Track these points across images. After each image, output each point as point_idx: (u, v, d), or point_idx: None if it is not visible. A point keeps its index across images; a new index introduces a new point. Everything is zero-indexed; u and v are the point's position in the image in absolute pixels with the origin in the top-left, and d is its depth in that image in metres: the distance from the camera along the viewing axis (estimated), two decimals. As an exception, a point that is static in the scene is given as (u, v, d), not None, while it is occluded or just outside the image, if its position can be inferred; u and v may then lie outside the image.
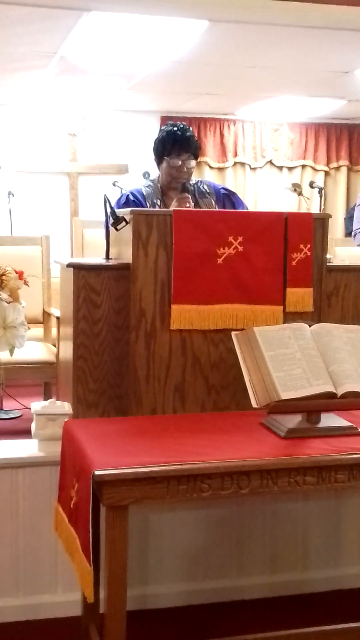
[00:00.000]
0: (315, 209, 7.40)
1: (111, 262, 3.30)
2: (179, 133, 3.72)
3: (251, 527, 3.23)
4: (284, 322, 3.09)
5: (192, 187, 3.81)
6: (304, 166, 8.41)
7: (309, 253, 3.22)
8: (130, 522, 2.31)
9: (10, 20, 4.58)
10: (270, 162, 8.33)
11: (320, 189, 4.96)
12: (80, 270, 3.18)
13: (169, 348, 3.14)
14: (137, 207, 3.63)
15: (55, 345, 4.67)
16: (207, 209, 3.72)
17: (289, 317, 3.15)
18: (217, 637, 2.80)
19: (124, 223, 3.17)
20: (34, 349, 4.67)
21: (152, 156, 3.83)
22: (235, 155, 8.17)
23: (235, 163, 8.20)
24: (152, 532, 3.13)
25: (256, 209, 7.76)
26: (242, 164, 8.23)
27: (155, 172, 3.95)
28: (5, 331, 2.94)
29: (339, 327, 2.75)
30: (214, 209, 3.75)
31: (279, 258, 3.20)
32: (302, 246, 3.21)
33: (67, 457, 2.62)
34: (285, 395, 2.49)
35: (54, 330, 4.89)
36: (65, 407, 3.08)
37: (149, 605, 3.12)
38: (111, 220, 3.23)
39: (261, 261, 3.17)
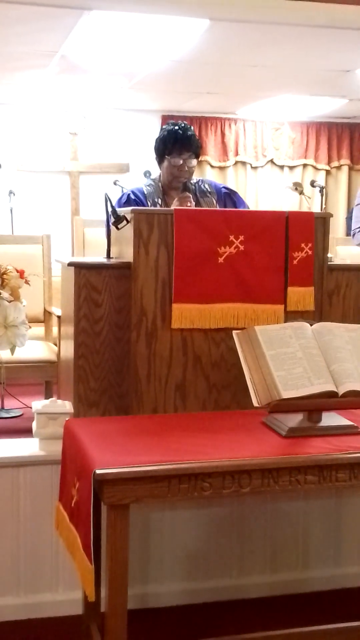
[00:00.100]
0: (316, 208, 7.40)
1: (112, 261, 3.30)
2: (180, 132, 3.72)
3: (252, 526, 3.23)
4: (285, 321, 3.09)
5: (193, 186, 3.81)
6: (305, 165, 8.41)
7: (310, 252, 3.22)
8: (131, 521, 2.31)
9: (11, 19, 4.58)
10: (272, 161, 8.33)
11: (322, 188, 4.97)
12: (81, 269, 3.18)
13: (170, 347, 3.14)
14: (138, 206, 3.63)
15: (56, 344, 4.67)
16: (208, 208, 3.72)
17: (290, 316, 3.15)
18: (217, 636, 2.80)
19: (125, 222, 3.17)
20: (35, 348, 4.67)
21: (153, 155, 3.83)
22: (237, 154, 8.17)
23: (237, 162, 8.20)
24: (153, 531, 3.13)
25: (257, 208, 7.76)
26: (243, 163, 8.23)
27: (156, 171, 3.95)
28: (6, 330, 2.94)
29: (340, 326, 2.75)
30: (215, 208, 3.75)
31: (280, 257, 3.19)
32: (303, 245, 3.21)
33: (68, 456, 2.63)
34: (286, 394, 2.49)
35: (54, 329, 4.89)
36: (66, 406, 3.08)
37: (149, 604, 3.12)
38: (112, 219, 3.23)
39: (262, 260, 3.17)
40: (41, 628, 2.97)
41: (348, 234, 7.43)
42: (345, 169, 8.48)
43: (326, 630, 2.84)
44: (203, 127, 8.05)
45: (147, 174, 7.01)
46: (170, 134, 3.73)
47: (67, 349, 3.38)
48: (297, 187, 5.80)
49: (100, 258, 3.36)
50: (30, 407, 3.19)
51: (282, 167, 8.38)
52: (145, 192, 3.78)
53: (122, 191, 3.88)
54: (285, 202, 8.15)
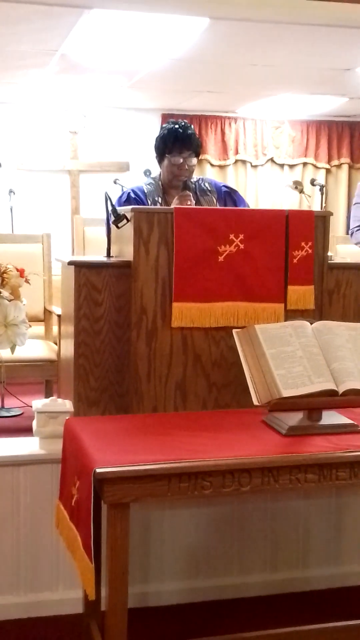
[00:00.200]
0: (316, 207, 7.40)
1: (112, 260, 3.30)
2: (180, 131, 3.71)
3: (252, 524, 3.23)
4: (285, 320, 3.09)
5: (194, 185, 3.81)
6: (305, 164, 8.41)
7: (310, 251, 3.22)
8: (131, 519, 2.31)
9: (12, 18, 4.58)
10: (272, 159, 8.33)
11: (322, 187, 4.96)
12: (81, 268, 3.18)
13: (170, 346, 3.14)
14: (138, 204, 3.63)
15: (56, 343, 4.68)
16: (208, 207, 3.71)
17: (290, 314, 3.15)
18: (217, 634, 2.80)
19: (125, 221, 3.17)
20: (35, 346, 4.67)
21: (154, 154, 3.83)
22: (237, 153, 8.17)
23: (237, 161, 8.20)
24: (153, 529, 3.13)
25: (257, 207, 7.76)
26: (244, 161, 8.23)
27: (156, 170, 3.95)
28: (7, 329, 2.94)
29: (340, 324, 2.75)
30: (215, 207, 3.75)
31: (280, 256, 3.19)
32: (303, 244, 3.21)
33: (69, 455, 2.63)
34: (286, 392, 2.49)
35: (55, 328, 4.89)
36: (67, 404, 3.08)
37: (150, 603, 3.12)
38: (112, 218, 3.23)
39: (262, 259, 3.17)
40: (41, 627, 2.97)
41: (348, 233, 7.44)
42: (345, 167, 8.48)
43: (326, 629, 2.84)
44: (203, 125, 8.04)
45: (147, 172, 6.99)
46: (170, 132, 3.73)
47: (67, 348, 3.38)
48: (297, 185, 5.78)
49: (101, 257, 3.36)
50: (31, 406, 3.19)
51: (282, 165, 8.37)
52: (146, 191, 3.78)
53: (122, 190, 3.88)
54: (285, 200, 8.15)
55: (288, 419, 2.61)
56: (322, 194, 5.18)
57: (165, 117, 7.66)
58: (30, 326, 3.07)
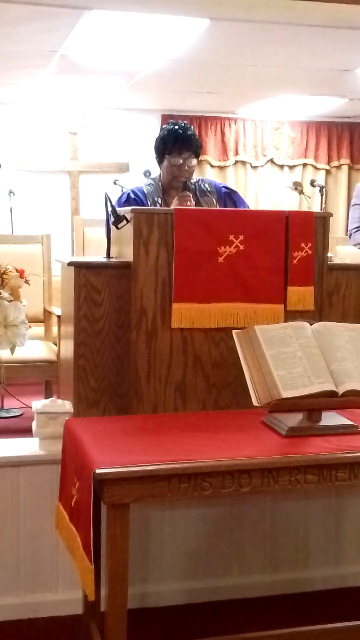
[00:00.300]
0: (316, 208, 7.40)
1: (112, 260, 3.30)
2: (180, 132, 3.71)
3: (252, 525, 3.23)
4: (285, 321, 3.09)
5: (193, 186, 3.81)
6: (305, 165, 8.41)
7: (310, 252, 3.22)
8: (131, 520, 2.31)
9: (11, 19, 4.58)
10: (271, 160, 8.33)
11: (321, 188, 4.95)
12: (81, 269, 3.18)
13: (169, 347, 3.14)
14: (138, 205, 3.63)
15: (56, 344, 4.67)
16: (208, 208, 3.72)
17: (290, 315, 3.15)
18: (217, 635, 2.80)
19: (124, 222, 3.17)
20: (34, 347, 4.67)
21: (153, 155, 3.83)
22: (236, 153, 8.17)
23: (236, 162, 8.20)
24: (153, 530, 3.13)
25: (257, 208, 7.76)
26: (243, 162, 8.23)
27: (156, 171, 3.95)
28: (6, 330, 2.94)
29: (340, 325, 2.75)
30: (215, 208, 3.75)
31: (280, 257, 3.19)
32: (303, 245, 3.21)
33: (68, 456, 2.63)
34: (286, 393, 2.49)
35: (54, 329, 4.89)
36: (66, 405, 3.08)
37: (149, 604, 3.12)
38: (112, 219, 3.23)
39: (262, 260, 3.17)
40: (41, 628, 2.97)
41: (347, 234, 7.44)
42: (345, 168, 8.49)
43: (326, 630, 2.84)
44: (203, 126, 8.05)
45: (147, 173, 7.00)
46: (170, 133, 3.73)
47: (67, 349, 3.38)
48: (297, 186, 5.78)
49: (100, 258, 3.36)
50: (30, 407, 3.19)
51: (282, 166, 8.38)
52: (145, 192, 3.78)
53: (122, 191, 3.88)
54: (285, 201, 8.15)
55: (288, 419, 2.61)
56: (321, 195, 5.17)
57: (165, 118, 7.66)
58: (30, 327, 3.07)
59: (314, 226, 3.24)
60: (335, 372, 2.55)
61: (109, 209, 3.26)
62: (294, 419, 2.61)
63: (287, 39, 5.07)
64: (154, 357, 3.12)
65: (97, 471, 2.23)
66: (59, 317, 4.31)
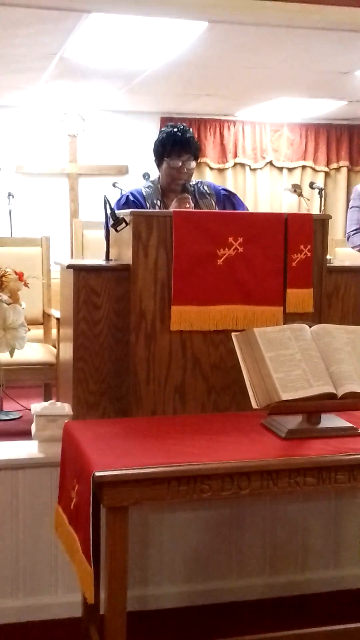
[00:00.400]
0: (315, 210, 7.40)
1: (111, 263, 3.30)
2: (179, 134, 3.72)
3: (251, 528, 3.23)
4: (284, 323, 3.09)
5: (192, 188, 3.81)
6: (304, 167, 8.41)
7: (309, 254, 3.22)
8: (130, 523, 2.31)
9: (11, 21, 4.58)
10: (270, 163, 8.33)
11: (321, 190, 4.96)
12: (80, 272, 3.18)
13: (169, 349, 3.14)
14: (137, 207, 3.63)
15: (55, 347, 4.68)
16: (207, 210, 3.72)
17: (289, 318, 3.15)
18: (217, 638, 2.80)
19: (124, 224, 3.17)
20: (34, 350, 4.67)
21: (152, 157, 3.83)
22: (235, 156, 8.18)
23: (235, 164, 8.20)
24: (153, 533, 3.13)
25: (256, 210, 7.76)
26: (242, 164, 8.23)
27: (155, 174, 3.95)
28: (6, 332, 2.94)
29: (339, 327, 2.75)
30: (214, 210, 3.75)
31: (279, 259, 3.20)
32: (302, 247, 3.21)
33: (67, 459, 2.63)
34: (285, 396, 2.49)
35: (54, 332, 4.89)
36: (66, 408, 3.08)
37: (149, 606, 3.12)
38: (111, 222, 3.23)
39: (261, 262, 3.17)
40: (40, 630, 2.97)
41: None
42: (344, 170, 8.49)
43: (325, 632, 2.84)
44: (202, 129, 8.05)
45: (146, 176, 7.01)
46: (169, 136, 3.73)
47: (66, 351, 3.38)
48: (296, 189, 5.78)
49: (100, 260, 3.36)
50: (30, 410, 3.19)
51: (281, 168, 8.38)
52: (144, 194, 3.78)
53: (121, 193, 3.88)
54: (284, 203, 8.15)
55: (287, 422, 2.61)
56: (321, 197, 5.17)
57: (164, 121, 7.66)
58: (29, 329, 3.07)
59: (313, 228, 3.24)
60: (335, 375, 2.56)
61: (108, 211, 3.27)
62: (293, 422, 2.61)
63: (286, 42, 5.08)
64: (153, 359, 3.12)
65: (97, 474, 2.23)
66: (58, 319, 4.32)
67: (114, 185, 4.38)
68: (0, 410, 5.23)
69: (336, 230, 7.99)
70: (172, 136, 3.72)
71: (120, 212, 3.28)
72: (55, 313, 4.58)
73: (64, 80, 6.36)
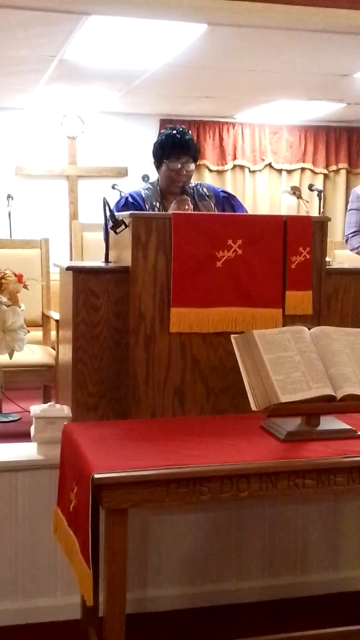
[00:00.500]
0: (314, 212, 7.39)
1: (110, 265, 3.30)
2: (178, 136, 3.72)
3: (250, 530, 3.23)
4: (283, 325, 3.10)
5: (192, 190, 3.81)
6: (303, 169, 8.41)
7: (308, 256, 3.22)
8: (129, 525, 2.31)
9: (10, 24, 4.58)
10: (270, 165, 8.33)
11: (320, 192, 4.96)
12: (79, 274, 3.18)
13: (168, 351, 3.14)
14: (136, 209, 3.63)
15: (54, 349, 4.67)
16: (206, 212, 3.72)
17: (289, 320, 3.15)
18: (216, 640, 2.80)
19: (123, 226, 3.17)
20: (33, 352, 4.64)
21: (152, 159, 3.83)
22: (235, 158, 8.18)
23: (235, 166, 8.20)
24: (152, 535, 3.13)
25: (255, 212, 7.77)
26: (242, 166, 8.23)
27: (154, 176, 3.95)
28: (5, 334, 2.94)
29: (338, 330, 2.75)
30: (214, 212, 3.75)
31: (278, 261, 3.20)
32: (301, 249, 3.21)
33: (67, 461, 2.62)
34: (284, 398, 2.49)
35: (53, 334, 4.88)
36: (65, 410, 3.08)
37: (148, 609, 3.12)
38: (110, 224, 3.23)
39: (260, 264, 3.17)
40: (39, 633, 2.96)
41: (344, 239, 7.44)
42: (343, 172, 8.49)
43: (324, 635, 2.84)
44: (201, 131, 8.05)
45: (145, 178, 7.01)
46: (168, 138, 3.73)
47: (66, 353, 3.38)
48: (295, 191, 5.79)
49: (99, 262, 3.36)
50: (29, 412, 3.19)
51: (280, 171, 8.38)
52: (144, 196, 3.78)
53: (121, 195, 3.88)
54: (283, 205, 8.15)
55: (286, 424, 2.61)
56: (320, 200, 5.17)
57: (164, 123, 7.66)
58: (28, 331, 3.07)
59: (312, 231, 3.25)
60: (334, 377, 2.56)
61: (108, 213, 3.27)
62: (293, 424, 2.61)
63: (285, 44, 5.08)
64: (152, 361, 3.13)
65: (96, 476, 2.23)
66: (57, 321, 4.31)
67: (113, 187, 4.37)
68: (-1, 412, 5.23)
69: (335, 232, 7.99)
70: (171, 138, 3.72)
71: (120, 214, 3.28)
72: (55, 315, 4.58)
73: (64, 82, 6.36)
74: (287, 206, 8.11)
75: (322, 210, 4.59)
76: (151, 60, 5.53)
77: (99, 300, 3.18)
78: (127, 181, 7.39)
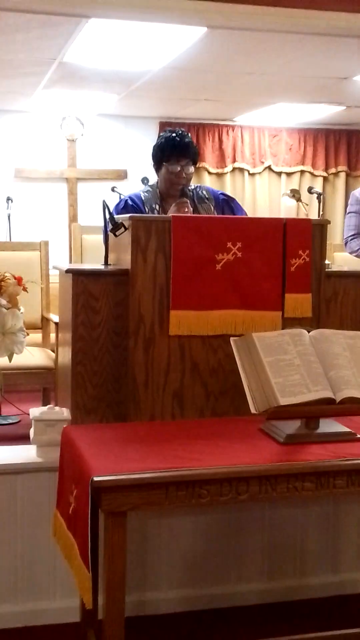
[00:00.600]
0: (313, 215, 7.40)
1: (110, 268, 3.30)
2: (178, 139, 3.72)
3: (249, 533, 3.22)
4: (282, 328, 3.09)
5: (191, 193, 3.81)
6: (302, 172, 8.42)
7: (307, 259, 3.22)
8: (128, 527, 2.31)
9: (10, 27, 4.59)
10: (269, 167, 8.34)
11: (319, 195, 4.96)
12: (79, 276, 3.18)
13: (167, 354, 3.14)
14: (135, 212, 3.63)
15: (54, 351, 4.67)
16: (206, 215, 3.72)
17: (288, 322, 3.15)
18: (215, 643, 2.80)
19: (122, 229, 3.17)
20: (32, 354, 4.66)
21: (151, 162, 3.84)
22: (234, 160, 8.19)
23: (234, 169, 8.21)
24: (151, 538, 3.13)
25: (255, 215, 7.77)
26: (241, 169, 8.24)
27: (154, 178, 3.96)
28: (4, 337, 2.94)
29: (337, 332, 2.75)
30: (213, 215, 3.76)
31: (277, 264, 3.20)
32: (300, 252, 3.21)
33: (66, 463, 2.62)
34: (284, 401, 2.49)
35: (52, 336, 4.88)
36: (64, 413, 3.08)
37: (147, 611, 3.11)
38: (110, 226, 3.23)
39: (260, 267, 3.17)
40: (39, 635, 2.96)
41: (344, 241, 7.44)
42: (342, 175, 8.50)
43: (324, 637, 2.84)
44: (201, 133, 8.06)
45: (144, 180, 7.02)
46: (167, 141, 3.73)
47: (65, 356, 3.38)
48: (295, 194, 5.79)
49: (98, 265, 3.36)
50: (28, 414, 3.18)
51: (279, 173, 8.39)
52: (143, 198, 3.78)
53: (120, 198, 3.88)
54: (282, 208, 8.15)
55: (285, 427, 2.61)
56: (319, 202, 5.18)
57: (163, 125, 7.67)
58: (27, 334, 3.07)
59: (311, 233, 3.25)
60: (333, 380, 2.56)
61: (107, 216, 3.27)
62: (292, 427, 2.61)
63: (285, 47, 5.09)
64: (151, 364, 3.12)
65: (95, 479, 2.23)
66: (56, 324, 4.31)
67: (112, 189, 4.37)
68: (-2, 415, 5.23)
69: (335, 235, 8.00)
70: (170, 141, 3.72)
71: (119, 217, 3.28)
72: (54, 317, 4.58)
73: (63, 85, 6.37)
74: (286, 209, 8.11)
75: (321, 213, 4.60)
76: (151, 63, 5.54)
77: (99, 302, 3.18)
78: (126, 184, 7.40)
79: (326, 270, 3.34)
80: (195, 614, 3.14)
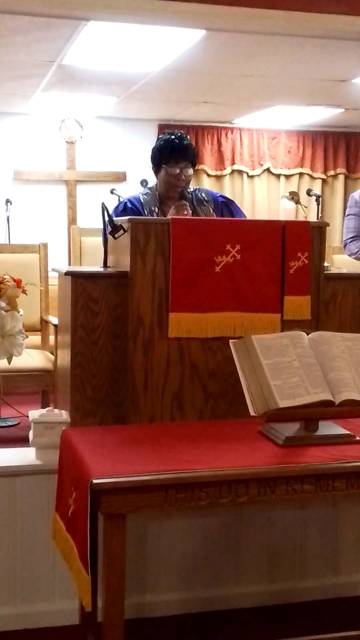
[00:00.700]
0: (312, 217, 7.40)
1: (109, 270, 3.30)
2: (177, 141, 3.72)
3: (248, 535, 3.22)
4: (281, 330, 3.10)
5: (190, 195, 3.81)
6: (301, 174, 8.43)
7: (306, 261, 3.23)
8: (127, 530, 2.31)
9: (9, 29, 4.59)
10: (268, 170, 8.35)
11: (318, 197, 4.96)
12: (78, 279, 3.19)
13: (166, 356, 3.14)
14: (134, 214, 3.63)
15: (53, 353, 4.67)
16: (205, 217, 3.72)
17: (287, 325, 3.15)
18: (215, 645, 2.79)
19: (122, 231, 3.18)
20: (31, 357, 4.65)
21: (150, 164, 3.84)
22: (233, 163, 8.19)
23: (233, 171, 8.22)
24: (150, 540, 3.12)
25: (254, 217, 7.78)
26: (240, 171, 8.25)
27: (153, 180, 3.96)
28: (3, 339, 2.94)
29: (336, 335, 2.75)
30: (212, 217, 3.76)
31: (276, 266, 3.20)
32: (299, 254, 3.22)
33: (65, 466, 2.62)
34: (283, 403, 2.49)
35: (51, 338, 4.89)
36: (63, 415, 3.08)
37: (146, 614, 3.11)
38: (109, 228, 3.23)
39: (259, 269, 3.18)
40: (38, 638, 2.96)
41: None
42: (341, 177, 8.51)
43: (323, 640, 2.84)
44: (200, 136, 8.06)
45: (143, 183, 7.02)
46: (166, 143, 3.74)
47: (64, 358, 3.38)
48: (294, 196, 5.80)
49: (97, 267, 3.37)
50: (27, 416, 3.18)
51: (278, 176, 8.39)
52: (142, 201, 3.79)
53: (119, 200, 3.88)
54: (281, 211, 8.16)
55: (285, 429, 2.61)
56: (318, 205, 5.18)
57: (162, 128, 7.68)
58: (27, 336, 3.06)
59: (310, 236, 3.25)
60: (332, 382, 2.56)
61: (106, 218, 3.27)
62: (291, 429, 2.61)
63: (284, 50, 5.09)
64: (150, 366, 3.13)
65: (94, 481, 2.23)
66: (56, 326, 4.31)
67: (111, 192, 4.39)
68: (-3, 417, 5.22)
69: (333, 237, 8.00)
70: (169, 143, 3.73)
71: (118, 219, 3.28)
72: (53, 320, 4.58)
73: (62, 87, 6.37)
74: (285, 211, 8.11)
75: (320, 215, 4.60)
76: (150, 66, 5.55)
77: (98, 305, 3.18)
78: (125, 186, 7.40)
79: (325, 272, 3.35)
80: (194, 617, 3.13)
